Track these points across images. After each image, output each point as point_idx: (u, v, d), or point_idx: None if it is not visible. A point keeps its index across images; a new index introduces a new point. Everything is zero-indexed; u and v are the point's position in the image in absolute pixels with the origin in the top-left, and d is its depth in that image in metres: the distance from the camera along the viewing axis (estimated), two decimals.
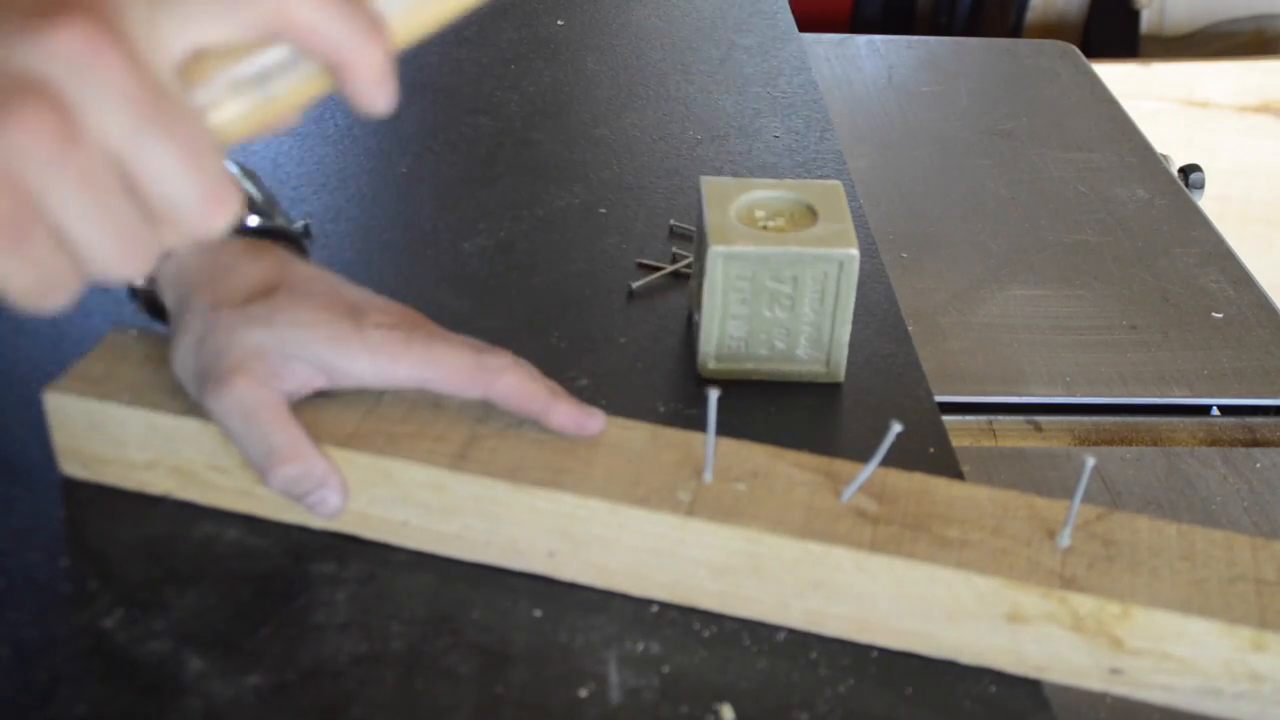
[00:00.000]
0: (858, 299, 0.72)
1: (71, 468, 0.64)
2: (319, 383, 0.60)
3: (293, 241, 0.67)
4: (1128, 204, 1.11)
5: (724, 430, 0.59)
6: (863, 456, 0.58)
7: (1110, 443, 0.87)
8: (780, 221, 0.72)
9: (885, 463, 0.58)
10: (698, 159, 0.98)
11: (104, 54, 0.37)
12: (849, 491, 0.58)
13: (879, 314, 0.80)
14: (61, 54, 0.37)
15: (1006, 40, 1.63)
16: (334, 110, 1.03)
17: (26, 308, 0.40)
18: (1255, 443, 0.87)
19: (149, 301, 0.65)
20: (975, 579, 0.55)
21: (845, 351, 0.73)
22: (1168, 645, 0.54)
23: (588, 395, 0.70)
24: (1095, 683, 0.56)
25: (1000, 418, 0.89)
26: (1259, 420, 0.89)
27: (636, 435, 0.61)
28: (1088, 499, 0.57)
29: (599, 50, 1.17)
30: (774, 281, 0.70)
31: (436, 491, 0.59)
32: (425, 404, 0.62)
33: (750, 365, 0.73)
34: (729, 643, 0.57)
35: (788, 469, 0.60)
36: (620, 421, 0.62)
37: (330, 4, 0.40)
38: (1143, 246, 1.06)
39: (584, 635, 0.57)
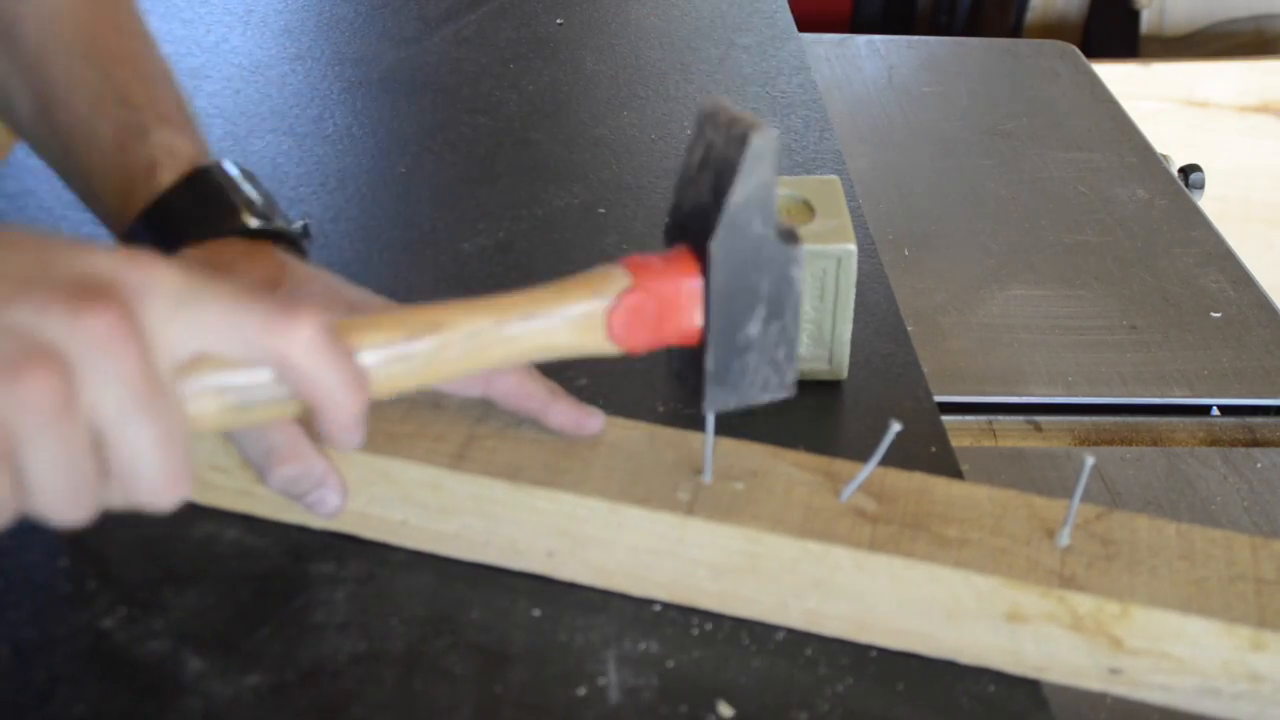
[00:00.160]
0: (857, 299, 0.72)
1: None
2: None
3: (292, 242, 0.67)
4: (1128, 204, 1.11)
5: (724, 430, 0.59)
6: (862, 456, 0.58)
7: (1110, 443, 0.87)
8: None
9: (884, 462, 0.58)
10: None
11: (123, 341, 0.41)
12: (848, 491, 0.58)
13: (878, 314, 0.80)
14: (86, 335, 0.41)
15: (1006, 40, 1.63)
16: (333, 110, 1.04)
17: None
18: (1255, 443, 0.87)
19: None
20: (974, 578, 0.55)
21: (848, 348, 0.73)
22: (1167, 645, 0.54)
23: (587, 395, 0.70)
24: (1094, 682, 0.56)
25: (1000, 418, 0.89)
26: (1259, 420, 0.89)
27: (636, 435, 0.61)
28: (1087, 499, 0.57)
29: (598, 50, 1.17)
30: None
31: (435, 491, 0.59)
32: (424, 403, 0.62)
33: None
34: (728, 642, 0.57)
35: (787, 468, 0.60)
36: (619, 421, 0.62)
37: (325, 357, 0.45)
38: (1143, 246, 1.06)
39: (583, 635, 0.57)
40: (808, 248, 0.69)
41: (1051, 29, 2.26)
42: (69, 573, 0.59)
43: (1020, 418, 0.89)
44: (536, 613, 0.58)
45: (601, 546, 0.58)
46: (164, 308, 0.43)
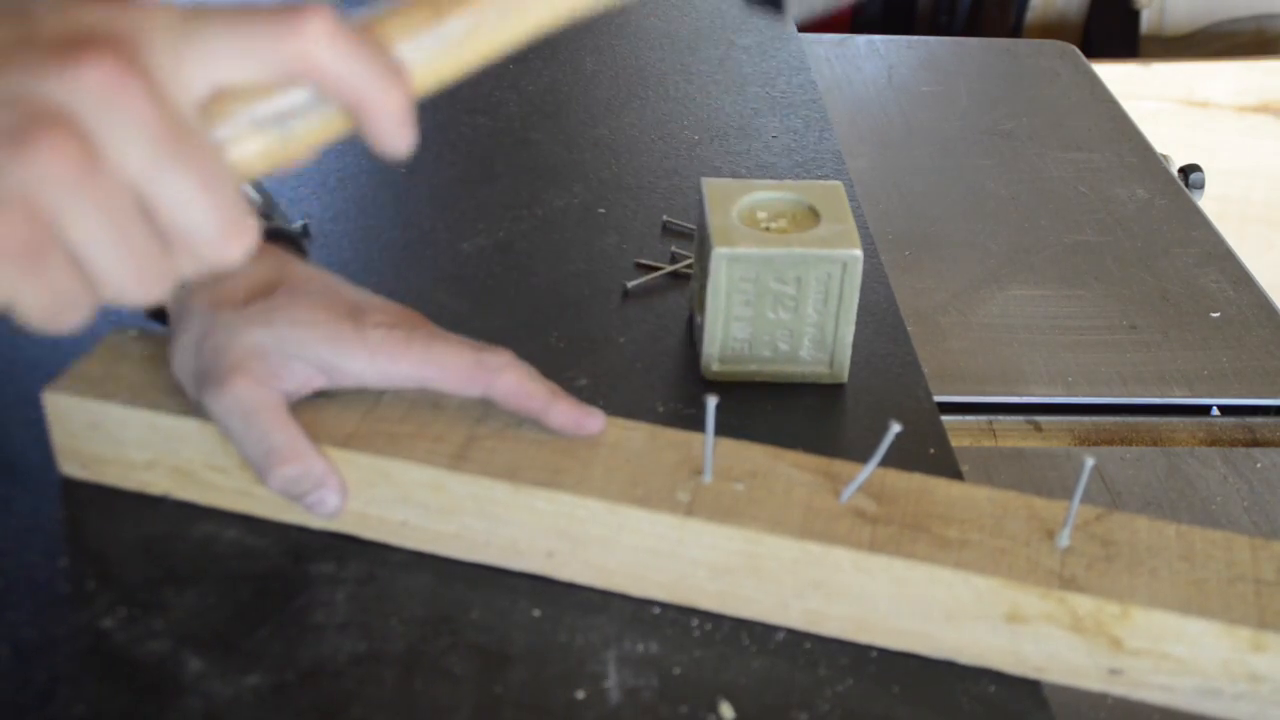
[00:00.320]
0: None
1: (71, 468, 0.64)
2: (318, 383, 0.60)
3: (292, 242, 0.67)
4: (1128, 204, 1.11)
5: (724, 431, 0.59)
6: (862, 457, 0.58)
7: (1110, 443, 0.87)
8: (782, 223, 0.72)
9: (884, 463, 0.58)
10: (696, 159, 0.98)
11: (128, 89, 0.38)
12: (848, 492, 0.58)
13: (878, 314, 0.80)
14: (87, 88, 0.38)
15: (1006, 40, 1.62)
16: None
17: (40, 328, 0.40)
18: (1255, 443, 0.87)
19: None
20: (974, 579, 0.55)
21: (849, 352, 0.73)
22: (1167, 645, 0.54)
23: (587, 395, 0.70)
24: (1094, 683, 0.56)
25: (1000, 418, 0.89)
26: (1259, 420, 0.89)
27: (636, 435, 0.61)
28: (1087, 499, 0.57)
29: (598, 50, 1.17)
30: (777, 283, 0.70)
31: (435, 491, 0.59)
32: (424, 404, 0.62)
33: (754, 367, 0.73)
34: (728, 642, 0.57)
35: (787, 469, 0.60)
36: (619, 422, 0.62)
37: (352, 49, 0.41)
38: (1143, 246, 1.06)
39: (583, 635, 0.57)
40: (813, 252, 0.70)
41: (1051, 29, 2.26)
42: (69, 573, 0.59)
43: (1020, 418, 0.89)
44: (536, 613, 0.58)
45: (601, 547, 0.58)
46: (165, 45, 0.40)
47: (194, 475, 0.62)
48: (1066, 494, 0.57)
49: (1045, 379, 0.90)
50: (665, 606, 0.59)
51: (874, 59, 1.37)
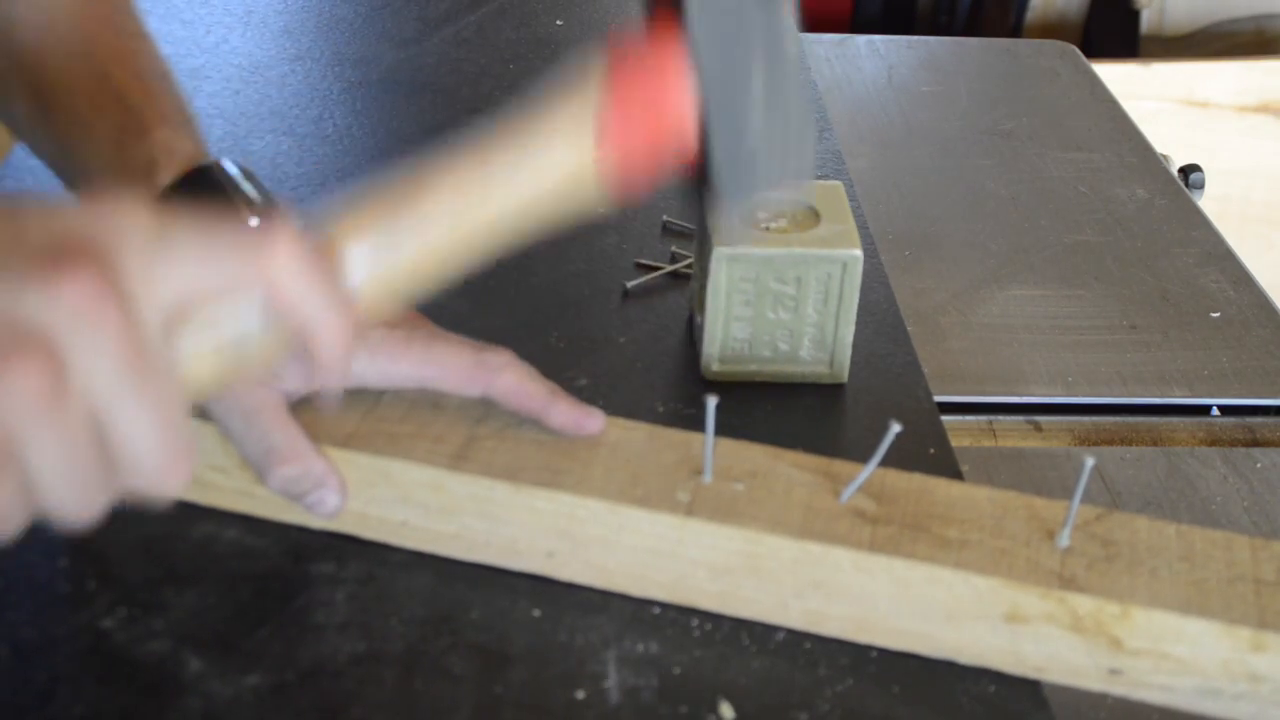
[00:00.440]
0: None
1: None
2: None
3: None
4: (1128, 204, 1.11)
5: (724, 431, 0.59)
6: (862, 457, 0.58)
7: (1110, 443, 0.87)
8: (782, 223, 0.72)
9: (884, 463, 0.58)
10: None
11: (103, 308, 0.40)
12: (848, 492, 0.58)
13: (878, 314, 0.80)
14: (64, 304, 0.39)
15: (1006, 40, 1.63)
16: (333, 111, 1.04)
17: None
18: (1255, 443, 0.87)
19: None
20: (974, 579, 0.55)
21: (849, 352, 0.73)
22: (1167, 645, 0.54)
23: (587, 395, 0.69)
24: (1094, 683, 0.56)
25: (1000, 418, 0.89)
26: (1259, 420, 0.89)
27: (636, 435, 0.61)
28: (1087, 499, 0.57)
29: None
30: (777, 283, 0.70)
31: (435, 491, 0.59)
32: (424, 404, 0.62)
33: (754, 367, 0.73)
34: (728, 642, 0.57)
35: (787, 469, 0.60)
36: (619, 422, 0.62)
37: (308, 278, 0.44)
38: (1143, 246, 1.06)
39: (583, 635, 0.57)
40: (813, 252, 0.70)
41: (1051, 29, 2.26)
42: (69, 573, 0.59)
43: (1020, 418, 0.89)
44: (536, 613, 0.58)
45: (601, 547, 0.58)
46: (139, 254, 0.41)
47: (194, 475, 0.61)
48: (1066, 494, 0.57)
49: (1045, 379, 0.90)
50: (665, 606, 0.59)
51: (874, 59, 1.37)
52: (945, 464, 0.68)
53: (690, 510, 0.57)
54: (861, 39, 1.42)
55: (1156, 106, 1.59)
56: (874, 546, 0.56)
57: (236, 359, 0.45)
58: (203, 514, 0.62)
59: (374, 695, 0.54)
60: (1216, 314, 0.97)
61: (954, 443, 0.70)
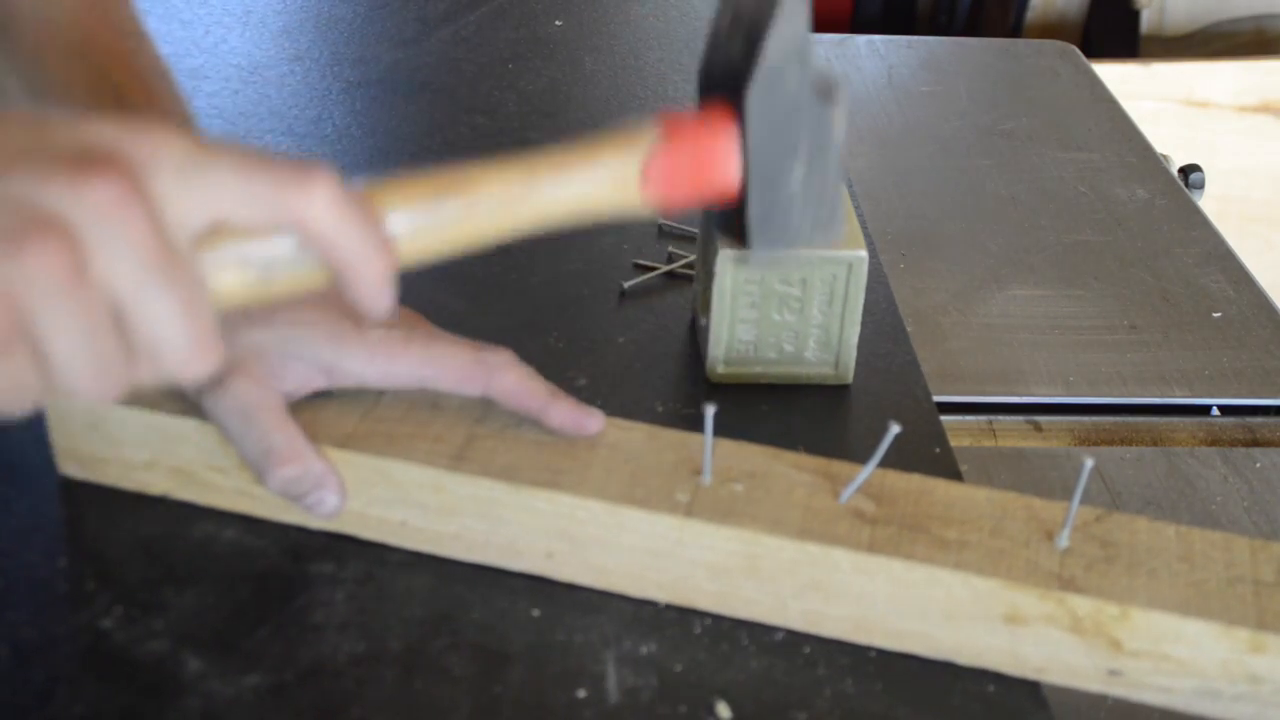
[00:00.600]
0: None
1: (70, 468, 0.64)
2: (318, 383, 0.60)
3: None
4: (1128, 204, 1.11)
5: (726, 432, 0.59)
6: (861, 457, 0.58)
7: (1110, 443, 0.87)
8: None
9: (884, 463, 0.58)
10: None
11: (129, 211, 0.39)
12: (847, 492, 0.58)
13: (878, 314, 0.80)
14: (89, 203, 0.39)
15: (1006, 40, 1.63)
16: (332, 111, 1.03)
17: None
18: (1255, 443, 0.87)
19: None
20: (973, 580, 0.55)
21: (854, 353, 0.73)
22: (1166, 647, 0.54)
23: (586, 395, 0.70)
24: (1094, 684, 0.56)
25: (1000, 418, 0.89)
26: (1259, 420, 0.89)
27: (635, 436, 0.61)
28: (1087, 499, 0.57)
29: (597, 50, 1.17)
30: (783, 284, 0.70)
31: (435, 492, 0.59)
32: (424, 404, 0.62)
33: (759, 369, 0.73)
34: (727, 642, 0.57)
35: (786, 470, 0.60)
36: (619, 422, 0.62)
37: (348, 219, 0.43)
38: (1143, 246, 1.06)
39: (582, 635, 0.57)
40: (818, 253, 0.70)
41: (1051, 29, 2.26)
42: (68, 573, 0.59)
43: (1020, 418, 0.89)
44: (536, 613, 0.58)
45: (601, 547, 0.58)
46: (172, 175, 0.41)
47: (193, 475, 0.62)
48: (1066, 494, 0.57)
49: (1045, 379, 0.90)
50: (665, 606, 0.59)
51: (874, 59, 1.37)
52: (945, 464, 0.68)
53: (689, 511, 0.57)
54: (861, 39, 1.42)
55: (1156, 106, 1.59)
56: (873, 547, 0.56)
57: (266, 284, 0.44)
58: (202, 514, 0.62)
59: (373, 695, 0.54)
60: (1217, 314, 0.97)
61: (954, 443, 0.70)
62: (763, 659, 0.57)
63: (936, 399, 0.74)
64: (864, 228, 0.87)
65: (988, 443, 0.87)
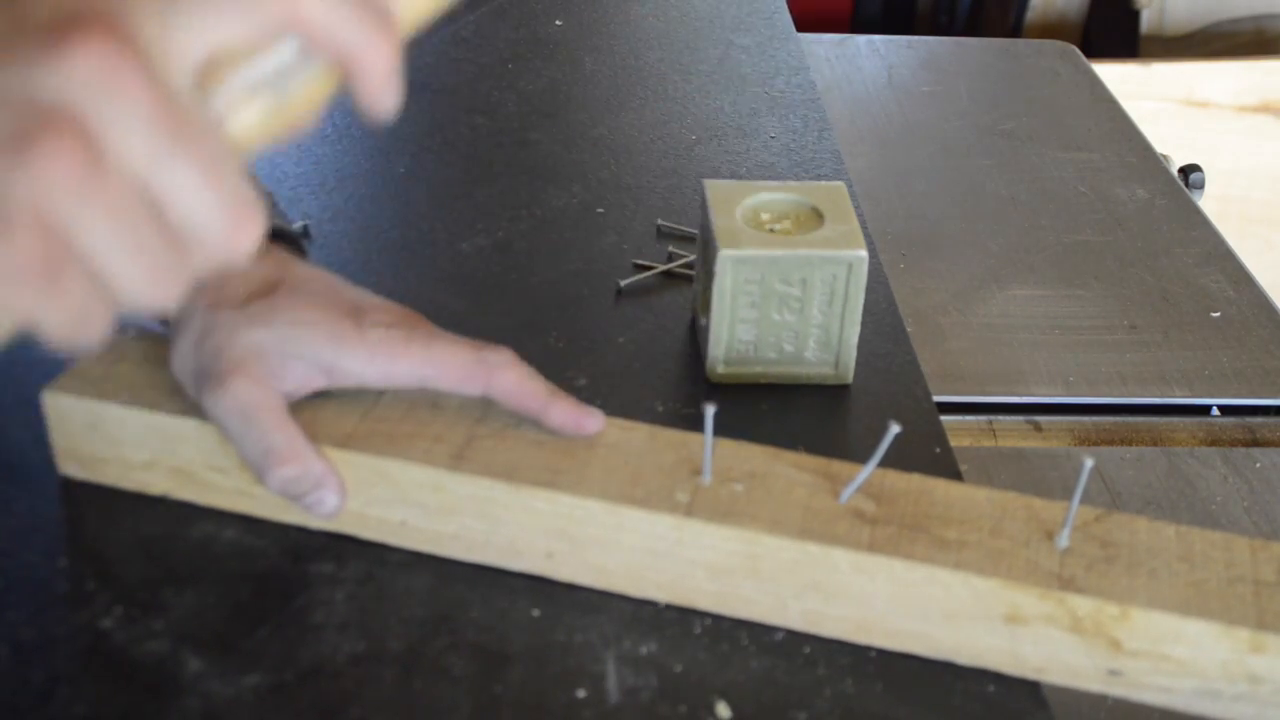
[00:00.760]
0: None
1: (70, 468, 0.64)
2: (318, 383, 0.60)
3: (292, 242, 0.67)
4: (1128, 204, 1.11)
5: (726, 432, 0.59)
6: (861, 457, 0.58)
7: (1110, 443, 0.87)
8: (786, 224, 0.72)
9: (884, 463, 0.58)
10: (695, 159, 0.98)
11: (123, 72, 0.37)
12: (847, 492, 0.58)
13: (878, 314, 0.80)
14: (80, 75, 0.36)
15: (1006, 40, 1.63)
16: (332, 110, 1.03)
17: (63, 345, 0.39)
18: (1255, 443, 0.87)
19: None
20: (973, 580, 0.55)
21: (854, 353, 0.73)
22: (1166, 647, 0.54)
23: (586, 395, 0.70)
24: (1094, 684, 0.56)
25: (1000, 418, 0.89)
26: (1259, 420, 0.89)
27: (635, 436, 0.61)
28: (1087, 499, 0.57)
29: (597, 50, 1.17)
30: (783, 284, 0.70)
31: (435, 492, 0.59)
32: (423, 404, 0.62)
33: (759, 369, 0.73)
34: (727, 642, 0.57)
35: (786, 470, 0.60)
36: (618, 422, 0.62)
37: (342, 3, 0.40)
38: (1143, 246, 1.06)
39: (582, 635, 0.57)
40: (819, 253, 0.70)
41: (1051, 29, 2.26)
42: (68, 573, 0.59)
43: (1020, 418, 0.89)
44: (536, 613, 0.58)
45: (600, 547, 0.58)
46: (155, 16, 0.38)
47: (193, 475, 0.62)
48: (1066, 494, 0.57)
49: (1045, 379, 0.90)
50: (664, 606, 0.59)
51: (874, 59, 1.37)
52: (945, 464, 0.68)
53: (689, 511, 0.57)
54: (861, 39, 1.42)
55: (1156, 106, 1.59)
56: (873, 547, 0.56)
57: (281, 104, 0.42)
58: (201, 514, 0.62)
59: (373, 695, 0.54)
60: (1216, 314, 0.97)
61: (954, 443, 0.70)
62: (763, 659, 0.57)
63: (936, 399, 0.74)
64: (864, 228, 0.87)
65: (988, 443, 0.87)
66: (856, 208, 0.75)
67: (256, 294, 0.60)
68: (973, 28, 2.38)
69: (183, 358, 0.59)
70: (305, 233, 0.86)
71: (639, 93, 1.09)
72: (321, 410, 0.60)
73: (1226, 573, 0.56)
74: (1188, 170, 1.21)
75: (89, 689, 0.54)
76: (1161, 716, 0.57)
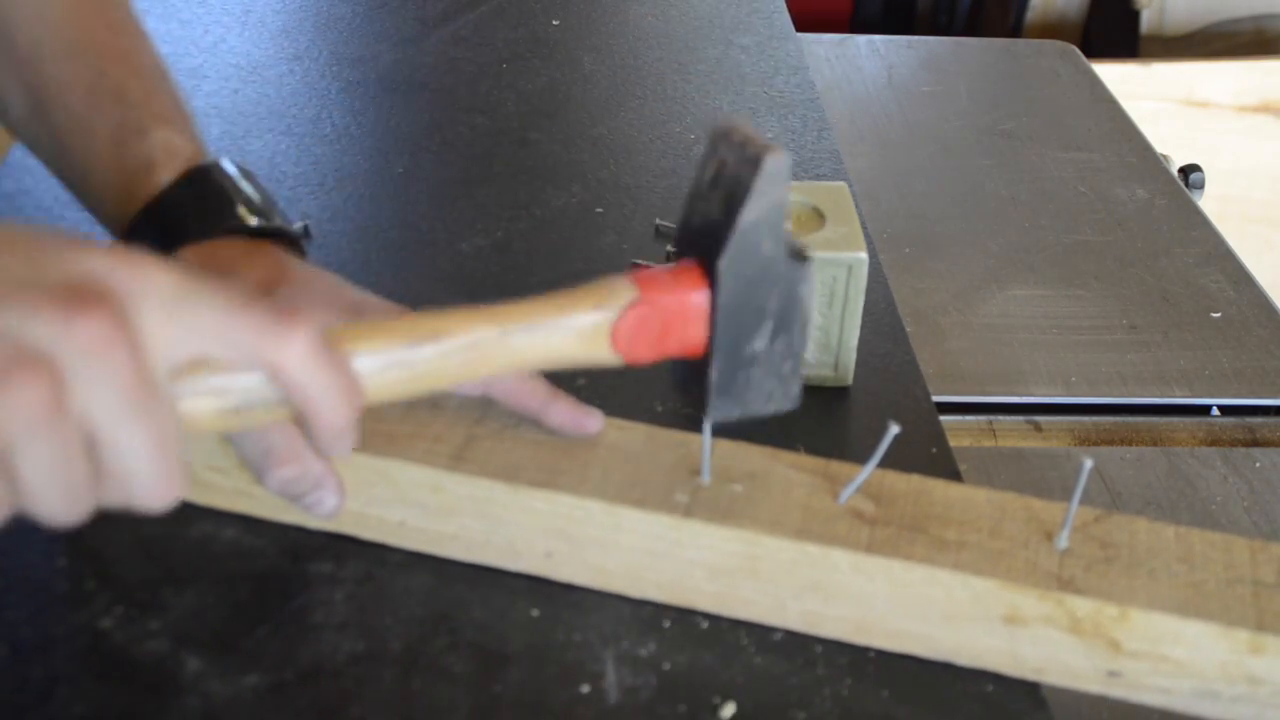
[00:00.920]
0: None
1: None
2: None
3: (292, 241, 0.67)
4: (1128, 204, 1.11)
5: (723, 431, 0.59)
6: (861, 457, 0.58)
7: (1110, 443, 0.87)
8: (786, 224, 0.72)
9: (883, 464, 0.57)
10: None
11: (114, 348, 0.41)
12: (847, 493, 0.58)
13: (877, 314, 0.80)
14: (77, 339, 0.40)
15: (1006, 40, 1.63)
16: (331, 111, 1.03)
17: None
18: (1255, 443, 0.87)
19: None
20: (972, 581, 0.55)
21: (854, 356, 0.73)
22: (1165, 648, 0.54)
23: (585, 395, 0.69)
24: (1093, 685, 0.56)
25: (1000, 418, 0.89)
26: (1259, 420, 0.89)
27: (634, 436, 0.61)
28: (1087, 499, 0.57)
29: (596, 50, 1.17)
30: None
31: (434, 492, 0.59)
32: (423, 404, 0.62)
33: None
34: (727, 642, 0.57)
35: (785, 470, 0.60)
36: (618, 422, 0.62)
37: (318, 366, 0.45)
38: (1143, 246, 1.06)
39: (581, 635, 0.57)
40: (818, 254, 0.70)
41: (1051, 29, 2.26)
42: (67, 572, 0.59)
43: (1020, 418, 0.89)
44: (535, 613, 0.58)
45: (600, 547, 0.58)
46: (158, 311, 0.42)
47: (193, 475, 0.62)
48: (1066, 494, 0.57)
49: (1045, 379, 0.90)
50: (664, 606, 0.59)
51: (874, 59, 1.37)
52: (944, 464, 0.68)
53: (688, 511, 0.57)
54: (861, 39, 1.42)
55: (1156, 106, 1.59)
56: (872, 548, 0.56)
57: (236, 414, 0.46)
58: (201, 514, 0.62)
59: (372, 695, 0.54)
60: (1216, 314, 0.97)
61: (954, 443, 0.70)
62: (763, 659, 0.57)
63: (936, 399, 0.74)
64: (864, 228, 0.87)
65: (988, 443, 0.87)
66: (857, 208, 0.75)
67: (256, 294, 0.60)
68: (973, 28, 2.38)
69: None
70: (305, 233, 0.86)
71: (638, 92, 1.09)
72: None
73: (1226, 574, 0.56)
74: (1188, 170, 1.21)
75: (88, 689, 0.54)
76: (1161, 717, 0.57)
